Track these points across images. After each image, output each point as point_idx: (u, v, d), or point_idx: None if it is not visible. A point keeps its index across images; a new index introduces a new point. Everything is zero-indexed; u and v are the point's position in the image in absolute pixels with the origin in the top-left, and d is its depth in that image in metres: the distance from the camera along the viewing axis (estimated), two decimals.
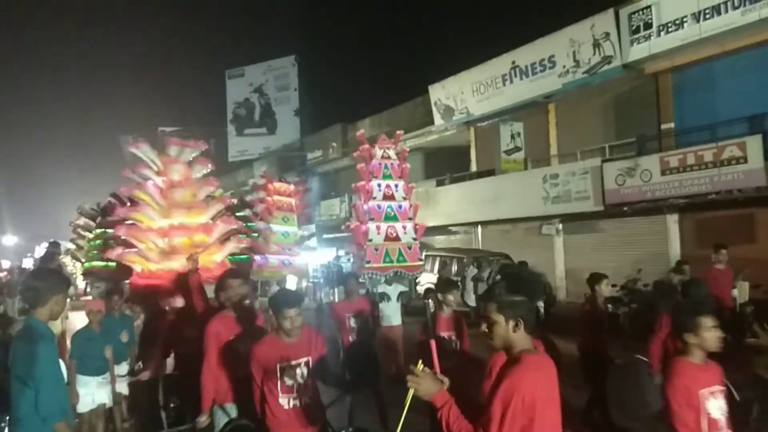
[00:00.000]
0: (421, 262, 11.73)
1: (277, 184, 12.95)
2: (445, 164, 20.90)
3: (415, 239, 11.31)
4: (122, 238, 8.14)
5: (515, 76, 17.11)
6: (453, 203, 18.55)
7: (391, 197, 11.27)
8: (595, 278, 5.73)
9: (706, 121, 13.07)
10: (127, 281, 8.11)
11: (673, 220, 13.51)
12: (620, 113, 15.51)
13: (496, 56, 17.58)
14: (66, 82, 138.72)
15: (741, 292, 9.58)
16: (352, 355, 4.55)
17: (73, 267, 24.44)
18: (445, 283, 5.26)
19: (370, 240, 10.73)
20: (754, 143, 11.36)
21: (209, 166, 8.58)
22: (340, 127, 26.83)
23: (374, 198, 11.11)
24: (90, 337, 5.27)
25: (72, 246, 21.39)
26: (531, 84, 16.68)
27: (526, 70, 16.74)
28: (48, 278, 3.17)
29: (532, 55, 16.51)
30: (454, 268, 14.69)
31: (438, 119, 20.06)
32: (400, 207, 11.32)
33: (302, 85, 35.05)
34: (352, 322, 6.01)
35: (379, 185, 11.22)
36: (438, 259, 15.61)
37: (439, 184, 20.26)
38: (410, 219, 11.48)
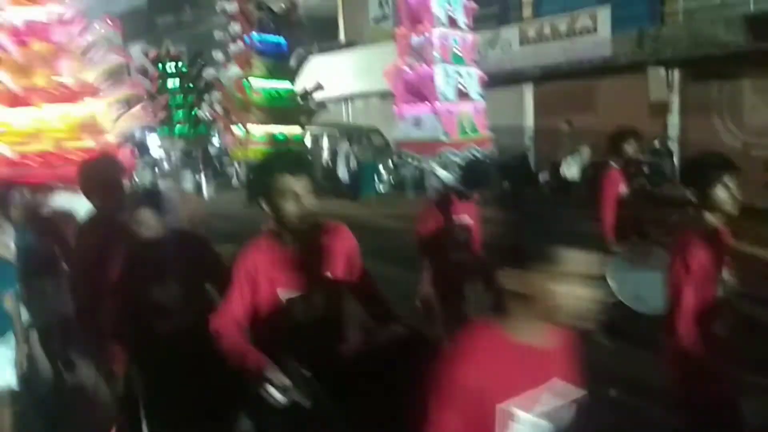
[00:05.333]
0: (490, 135, 8.05)
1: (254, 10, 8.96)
2: (311, 34, 19.70)
3: (482, 96, 7.88)
4: None
5: None
6: (321, 76, 17.87)
7: (454, 23, 7.24)
8: (621, 136, 4.07)
9: None
10: None
11: (528, 91, 14.17)
12: None
13: None
14: None
15: (583, 156, 10.80)
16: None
17: None
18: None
19: (444, 96, 6.70)
20: (603, 13, 11.93)
21: None
22: None
23: (439, 19, 6.79)
24: None
25: None
26: None
27: None
28: None
29: None
30: (326, 143, 14.54)
31: None
32: (465, 40, 7.66)
33: None
34: None
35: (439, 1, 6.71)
36: (307, 134, 15.29)
37: None
38: (475, 62, 7.88)
